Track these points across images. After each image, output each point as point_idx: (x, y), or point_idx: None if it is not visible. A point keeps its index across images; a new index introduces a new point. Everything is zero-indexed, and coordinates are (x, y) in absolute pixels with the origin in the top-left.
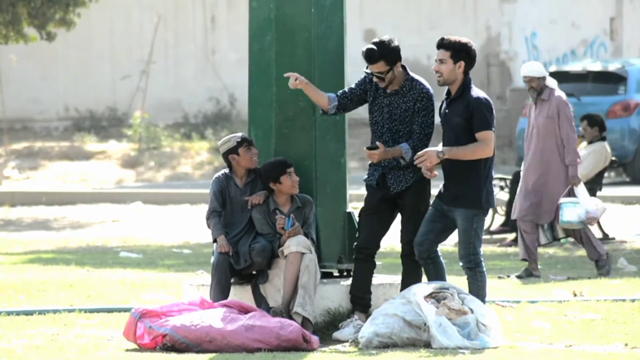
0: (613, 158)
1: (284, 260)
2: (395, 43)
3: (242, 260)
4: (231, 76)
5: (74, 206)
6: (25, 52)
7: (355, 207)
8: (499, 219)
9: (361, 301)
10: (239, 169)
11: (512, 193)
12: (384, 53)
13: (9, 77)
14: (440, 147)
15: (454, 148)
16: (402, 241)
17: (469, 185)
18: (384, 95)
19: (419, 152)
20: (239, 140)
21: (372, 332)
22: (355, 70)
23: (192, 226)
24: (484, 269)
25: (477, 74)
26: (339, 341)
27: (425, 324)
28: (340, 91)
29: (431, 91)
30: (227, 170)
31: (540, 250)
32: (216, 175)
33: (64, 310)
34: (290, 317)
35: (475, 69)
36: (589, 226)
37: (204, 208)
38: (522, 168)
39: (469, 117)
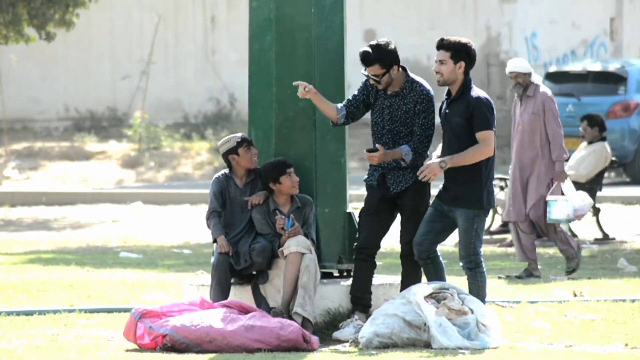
0: (613, 158)
1: (284, 260)
2: (392, 46)
3: (242, 260)
4: (231, 76)
5: (74, 206)
6: (25, 52)
7: (355, 207)
8: (499, 219)
9: (361, 301)
10: (238, 169)
11: None
12: (379, 56)
13: (9, 77)
14: (438, 157)
15: (454, 156)
16: (401, 241)
17: (470, 185)
18: (384, 97)
19: (422, 167)
20: (239, 140)
21: (372, 332)
22: (355, 70)
23: (192, 226)
24: (484, 269)
25: (477, 74)
26: (339, 341)
27: (425, 324)
28: (345, 100)
29: (431, 92)
30: (227, 171)
31: (540, 250)
32: (216, 175)
33: (64, 310)
34: (290, 317)
35: (475, 69)
36: (577, 221)
37: (204, 208)
38: (510, 167)
39: (469, 117)
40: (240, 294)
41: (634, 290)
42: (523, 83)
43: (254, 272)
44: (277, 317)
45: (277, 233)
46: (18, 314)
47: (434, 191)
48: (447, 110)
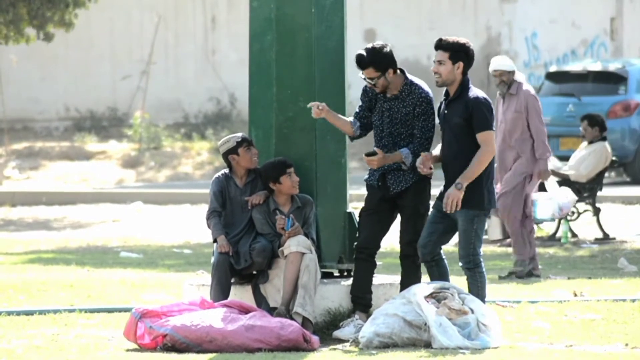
0: (613, 158)
1: (284, 260)
2: (388, 49)
3: (242, 260)
4: (231, 76)
5: (74, 206)
6: (25, 52)
7: (355, 207)
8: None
9: (362, 301)
10: (238, 169)
11: None
12: (373, 59)
13: (9, 77)
14: (450, 182)
15: (465, 173)
16: (401, 242)
17: (470, 185)
18: (383, 100)
19: (446, 201)
20: (239, 140)
21: (373, 332)
22: (355, 71)
23: (192, 226)
24: (484, 270)
25: (477, 74)
26: (340, 340)
27: (425, 324)
28: (354, 113)
29: (431, 94)
30: (227, 171)
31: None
32: (216, 175)
33: (64, 310)
34: (291, 317)
35: (475, 69)
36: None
37: (204, 208)
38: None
39: (468, 117)
40: (241, 294)
41: (634, 290)
42: (507, 81)
43: (254, 272)
44: (279, 317)
45: (277, 233)
46: (18, 314)
47: (434, 191)
48: (445, 111)
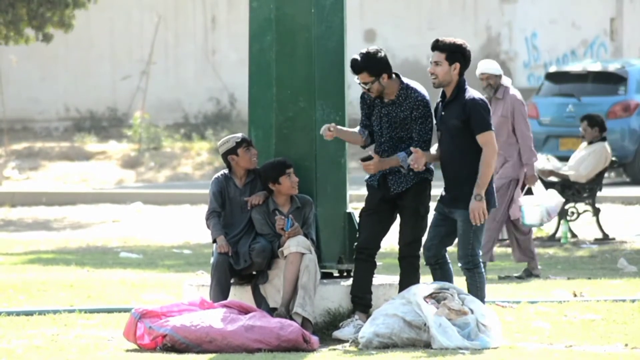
0: (613, 158)
1: (284, 260)
2: (382, 54)
3: (241, 260)
4: (231, 76)
5: (74, 206)
6: (25, 52)
7: (355, 208)
8: None
9: (362, 301)
10: (238, 170)
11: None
12: (367, 64)
13: (9, 77)
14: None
15: (478, 182)
16: (400, 243)
17: (470, 186)
18: (381, 105)
19: (472, 215)
20: (238, 140)
21: (372, 332)
22: None
23: (192, 226)
24: (483, 270)
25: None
26: (339, 341)
27: (425, 325)
28: (360, 122)
29: (427, 98)
30: (226, 171)
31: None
32: (215, 175)
33: (64, 310)
34: (291, 318)
35: (475, 70)
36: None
37: (204, 208)
38: None
39: (466, 119)
40: (240, 294)
41: (634, 290)
42: (494, 85)
43: (254, 273)
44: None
45: (276, 233)
46: (18, 314)
47: (435, 192)
48: (442, 113)
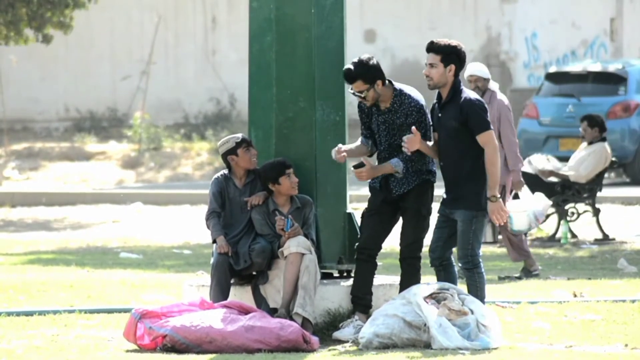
0: (613, 159)
1: (284, 261)
2: (374, 61)
3: (241, 261)
4: (231, 76)
5: (74, 207)
6: (25, 52)
7: (355, 208)
8: None
9: (362, 302)
10: (238, 170)
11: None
12: (361, 72)
13: (9, 77)
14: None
15: (489, 184)
16: (401, 244)
17: (470, 186)
18: (378, 114)
19: (492, 217)
20: (238, 141)
21: (372, 333)
22: None
23: (192, 227)
24: (483, 270)
25: None
26: (339, 341)
27: (425, 325)
28: (361, 132)
29: (421, 102)
30: (226, 171)
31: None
32: (215, 176)
33: (64, 310)
34: (291, 318)
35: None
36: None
37: (204, 209)
38: None
39: (464, 120)
40: (240, 295)
41: (634, 290)
42: (482, 88)
43: (254, 273)
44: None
45: (276, 233)
46: (18, 314)
47: (438, 193)
48: (439, 114)
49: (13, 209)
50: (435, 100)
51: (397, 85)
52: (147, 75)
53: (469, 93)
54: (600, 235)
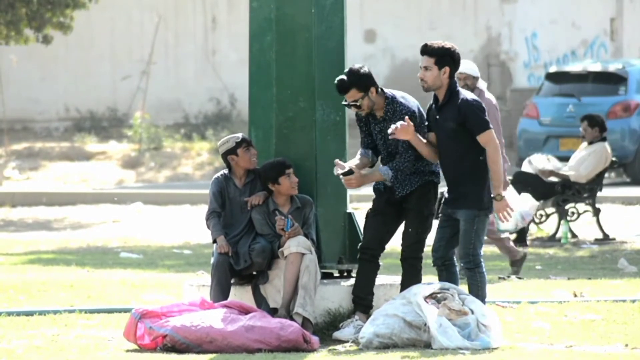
0: (613, 158)
1: (284, 260)
2: (366, 69)
3: (242, 260)
4: (231, 76)
5: (74, 207)
6: (25, 52)
7: (355, 208)
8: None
9: (363, 302)
10: (238, 170)
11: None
12: (354, 80)
13: (9, 77)
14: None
15: (494, 183)
16: (402, 244)
17: (471, 186)
18: (374, 123)
19: (498, 215)
20: (238, 140)
21: (373, 333)
22: None
23: (192, 227)
24: (484, 270)
25: None
26: (340, 341)
27: (425, 325)
28: (360, 143)
29: (413, 108)
30: (226, 171)
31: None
32: (215, 175)
33: (64, 310)
34: (291, 318)
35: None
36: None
37: (204, 208)
38: None
39: (462, 121)
40: (241, 295)
41: (634, 290)
42: (471, 85)
43: (254, 273)
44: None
45: (277, 233)
46: (18, 314)
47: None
48: (437, 116)
49: (13, 209)
50: (431, 102)
51: (389, 92)
52: (147, 75)
53: (465, 94)
54: (600, 235)
